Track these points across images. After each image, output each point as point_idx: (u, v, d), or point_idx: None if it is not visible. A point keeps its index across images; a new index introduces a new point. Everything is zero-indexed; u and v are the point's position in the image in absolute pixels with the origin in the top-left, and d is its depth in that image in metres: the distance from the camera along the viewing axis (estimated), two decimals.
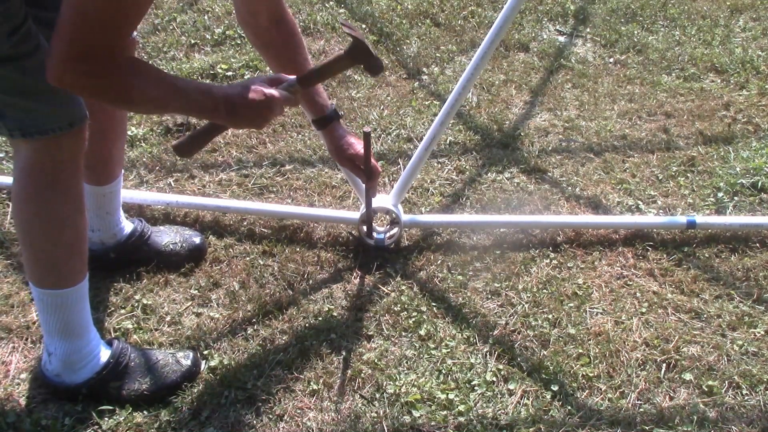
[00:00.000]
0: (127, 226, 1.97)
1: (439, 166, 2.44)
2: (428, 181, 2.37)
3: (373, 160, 1.82)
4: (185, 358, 1.70)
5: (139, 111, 1.78)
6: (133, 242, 1.96)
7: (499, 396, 1.68)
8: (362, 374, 1.72)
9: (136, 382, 1.64)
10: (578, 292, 1.96)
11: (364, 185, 1.90)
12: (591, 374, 1.73)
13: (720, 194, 2.31)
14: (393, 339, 1.83)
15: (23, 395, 1.65)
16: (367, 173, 1.83)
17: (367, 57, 1.53)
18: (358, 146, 1.82)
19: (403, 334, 1.84)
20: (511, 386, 1.70)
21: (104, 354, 1.64)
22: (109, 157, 1.82)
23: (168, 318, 1.86)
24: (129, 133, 2.50)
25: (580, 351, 1.79)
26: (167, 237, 2.01)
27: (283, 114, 1.53)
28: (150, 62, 2.90)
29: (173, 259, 1.99)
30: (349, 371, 1.73)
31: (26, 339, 1.79)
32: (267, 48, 1.76)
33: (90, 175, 1.77)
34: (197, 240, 2.03)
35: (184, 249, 2.00)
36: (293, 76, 1.52)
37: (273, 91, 1.42)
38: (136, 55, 1.66)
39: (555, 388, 1.70)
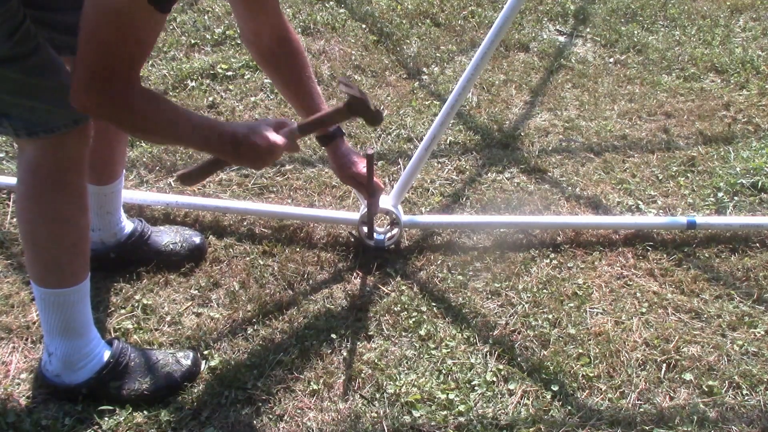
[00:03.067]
0: (128, 225, 1.98)
1: (439, 166, 2.44)
2: (428, 181, 2.37)
3: (376, 179, 1.85)
4: (185, 358, 1.70)
5: (151, 140, 1.85)
6: (133, 242, 1.96)
7: (499, 396, 1.68)
8: (362, 374, 1.72)
9: (137, 382, 1.64)
10: (578, 292, 1.96)
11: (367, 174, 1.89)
12: (591, 374, 1.73)
13: (720, 194, 2.31)
14: (393, 339, 1.83)
15: (23, 395, 1.65)
16: (370, 192, 1.86)
17: (365, 111, 1.59)
18: (361, 165, 1.84)
19: (403, 334, 1.84)
20: (511, 386, 1.70)
21: (104, 354, 1.64)
22: (111, 156, 1.82)
23: (168, 318, 1.86)
24: None
25: (580, 351, 1.79)
26: (167, 237, 2.02)
27: (270, 160, 1.55)
28: (149, 63, 2.91)
29: (173, 258, 1.99)
30: (349, 371, 1.73)
31: (26, 339, 1.79)
32: (272, 67, 1.77)
33: (92, 174, 1.77)
34: (197, 240, 2.03)
35: (184, 249, 2.00)
36: (294, 124, 1.56)
37: (277, 139, 1.47)
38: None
39: (555, 388, 1.70)
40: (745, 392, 1.70)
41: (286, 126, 1.54)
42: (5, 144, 2.45)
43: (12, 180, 2.25)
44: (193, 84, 2.79)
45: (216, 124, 1.44)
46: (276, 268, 2.01)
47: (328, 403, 1.66)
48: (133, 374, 1.65)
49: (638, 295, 1.96)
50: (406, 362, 1.76)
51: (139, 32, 1.20)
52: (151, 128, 1.33)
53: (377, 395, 1.68)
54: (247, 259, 2.04)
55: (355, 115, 1.61)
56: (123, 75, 1.22)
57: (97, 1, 1.16)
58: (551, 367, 1.74)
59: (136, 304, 1.89)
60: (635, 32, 3.24)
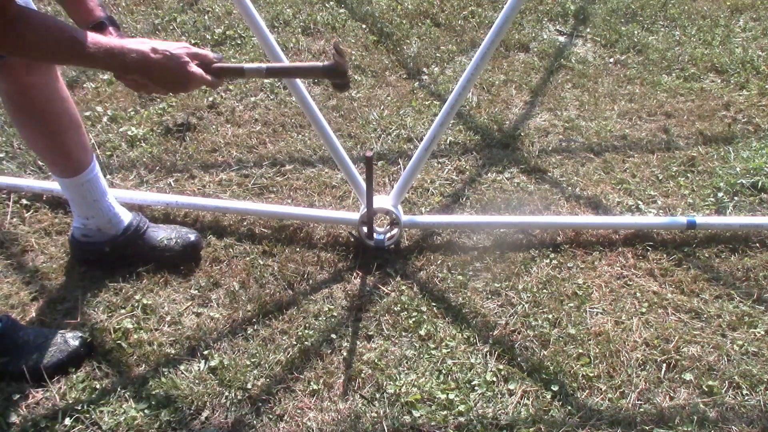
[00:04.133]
0: (125, 217, 1.99)
1: (439, 166, 2.44)
2: (428, 181, 2.37)
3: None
4: (74, 339, 1.73)
5: (40, 60, 1.81)
6: (129, 236, 1.97)
7: (499, 396, 1.68)
8: (362, 374, 1.72)
9: (23, 358, 1.68)
10: (578, 292, 1.96)
11: (364, 185, 1.90)
12: (591, 374, 1.73)
13: (720, 194, 2.30)
14: (393, 339, 1.83)
15: (23, 395, 1.65)
16: (369, 197, 1.88)
17: (342, 80, 1.57)
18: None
19: (403, 334, 1.84)
20: (511, 386, 1.70)
21: None
22: (67, 149, 1.82)
23: (168, 318, 1.86)
24: (129, 133, 2.51)
25: (580, 351, 1.79)
26: (163, 233, 2.03)
27: (197, 85, 1.50)
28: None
29: (167, 254, 2.00)
30: (349, 371, 1.73)
31: None
32: None
33: (58, 170, 1.84)
34: (192, 237, 2.04)
35: (178, 245, 2.01)
36: (263, 64, 1.53)
37: (194, 71, 1.44)
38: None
39: (555, 388, 1.70)
40: (745, 392, 1.70)
41: (207, 60, 1.49)
42: (5, 144, 2.45)
43: (12, 180, 2.24)
44: None
45: (117, 47, 1.39)
46: (276, 268, 2.01)
47: (328, 403, 1.66)
48: (20, 351, 1.68)
49: (638, 295, 1.96)
50: (406, 362, 1.76)
51: None
52: (33, 53, 1.33)
53: (377, 395, 1.68)
54: (247, 259, 2.04)
55: (327, 78, 1.58)
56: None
57: None
58: (551, 367, 1.74)
59: (136, 304, 1.89)
60: (635, 32, 3.24)
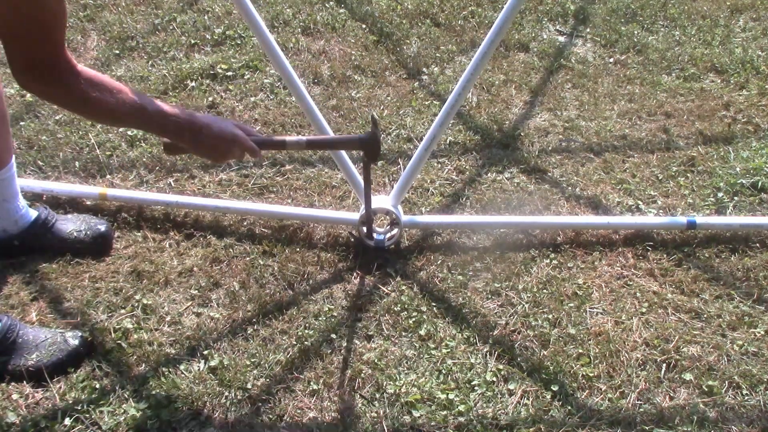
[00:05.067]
0: (31, 213, 2.00)
1: (439, 166, 2.44)
2: (428, 181, 2.37)
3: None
4: (73, 338, 1.73)
5: (97, 121, 1.90)
6: (37, 230, 1.98)
7: (499, 396, 1.68)
8: (362, 374, 1.72)
9: (22, 358, 1.68)
10: (578, 292, 1.96)
11: (363, 185, 1.90)
12: (591, 374, 1.73)
13: (720, 194, 2.30)
14: (393, 339, 1.83)
15: (23, 396, 1.65)
16: (367, 198, 1.89)
17: (373, 153, 1.73)
18: None
19: (403, 334, 1.84)
20: (511, 386, 1.70)
21: None
22: None
23: (168, 318, 1.86)
24: (129, 133, 2.51)
25: (580, 351, 1.79)
26: (72, 225, 2.03)
27: (241, 158, 1.63)
28: (149, 63, 2.91)
29: (77, 246, 2.01)
30: (349, 371, 1.73)
31: None
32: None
33: None
34: (102, 228, 2.04)
35: (88, 237, 2.02)
36: (303, 137, 1.67)
37: (239, 132, 1.56)
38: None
39: (555, 388, 1.70)
40: (745, 392, 1.70)
41: (251, 134, 1.61)
42: None
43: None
44: (193, 84, 2.79)
45: (172, 112, 1.48)
46: (276, 268, 2.01)
47: (328, 403, 1.66)
48: (19, 350, 1.68)
49: (638, 295, 1.96)
50: (406, 362, 1.76)
51: (41, 9, 1.27)
52: (94, 111, 1.40)
53: (377, 395, 1.68)
54: (247, 259, 2.04)
55: (361, 150, 1.74)
56: (43, 54, 1.30)
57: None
58: (551, 367, 1.74)
59: (136, 304, 1.89)
60: (635, 32, 3.24)
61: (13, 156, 1.91)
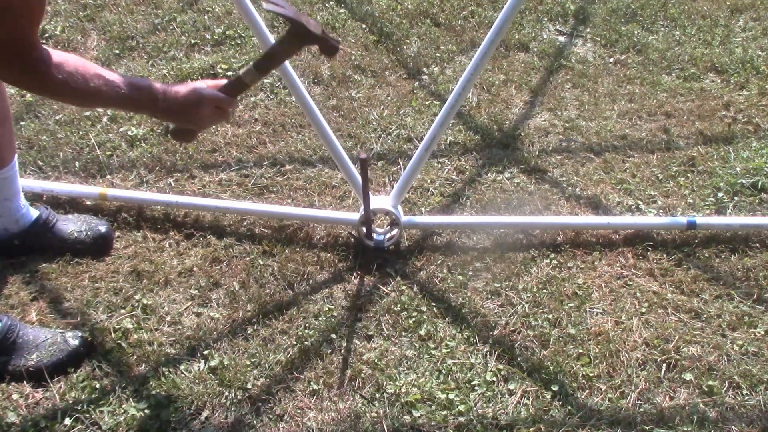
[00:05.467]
0: (33, 212, 2.00)
1: (439, 166, 2.44)
2: (428, 181, 2.37)
3: None
4: (74, 338, 1.73)
5: (71, 104, 1.85)
6: (38, 230, 1.98)
7: (499, 396, 1.68)
8: (362, 374, 1.72)
9: (23, 358, 1.68)
10: (578, 292, 1.96)
11: (361, 179, 1.90)
12: (591, 374, 1.73)
13: (720, 194, 2.30)
14: (393, 339, 1.83)
15: (23, 396, 1.65)
16: (366, 199, 1.89)
17: (314, 39, 1.52)
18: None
19: (403, 334, 1.84)
20: (511, 386, 1.70)
21: None
22: None
23: (168, 318, 1.86)
24: (129, 133, 2.51)
25: (580, 351, 1.79)
26: (72, 225, 2.03)
27: (223, 116, 1.55)
28: (149, 63, 2.90)
29: (78, 247, 2.01)
30: (349, 371, 1.73)
31: None
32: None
33: None
34: (103, 228, 2.05)
35: (89, 237, 2.02)
36: (250, 64, 1.55)
37: (200, 86, 1.49)
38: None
39: (555, 388, 1.70)
40: (745, 392, 1.70)
41: (217, 84, 1.54)
42: None
43: None
44: None
45: (143, 84, 1.44)
46: (276, 268, 2.01)
47: (328, 403, 1.66)
48: (20, 350, 1.68)
49: (638, 295, 1.96)
50: (406, 362, 1.76)
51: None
52: (62, 92, 1.37)
53: (377, 395, 1.68)
54: (247, 259, 2.04)
55: (305, 43, 1.55)
56: (13, 39, 1.25)
57: None
58: (551, 367, 1.74)
59: (136, 304, 1.89)
60: (635, 32, 3.24)
61: (16, 154, 1.91)
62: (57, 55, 1.34)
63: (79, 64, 1.36)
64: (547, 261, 2.06)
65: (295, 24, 1.50)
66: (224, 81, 1.56)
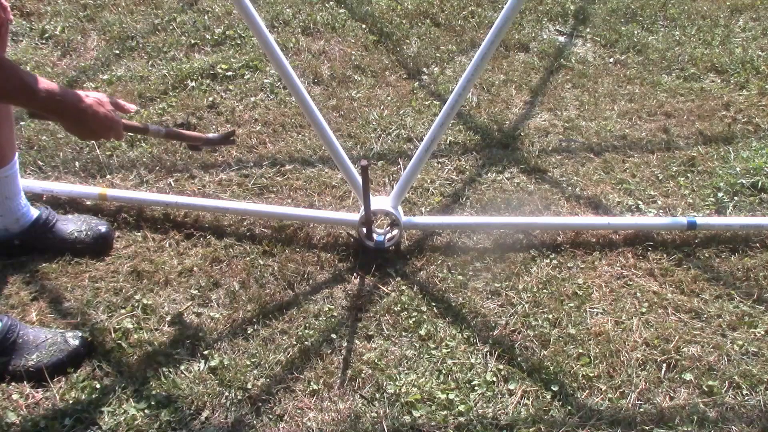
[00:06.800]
0: (33, 212, 2.00)
1: (439, 166, 2.44)
2: (428, 181, 2.37)
3: None
4: (74, 338, 1.73)
5: None
6: (38, 229, 1.99)
7: (499, 396, 1.68)
8: (362, 374, 1.72)
9: (23, 358, 1.68)
10: (578, 292, 1.96)
11: (362, 185, 1.91)
12: (591, 374, 1.73)
13: (720, 194, 2.30)
14: (393, 339, 1.83)
15: (23, 396, 1.65)
16: (366, 205, 1.91)
17: (216, 145, 1.98)
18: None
19: (403, 334, 1.84)
20: (511, 386, 1.70)
21: None
22: None
23: (168, 318, 1.86)
24: (129, 134, 2.50)
25: (580, 351, 1.79)
26: (73, 225, 2.04)
27: (108, 139, 1.59)
28: (149, 63, 2.90)
29: (78, 246, 2.01)
30: (349, 371, 1.73)
31: None
32: None
33: None
34: (103, 229, 2.05)
35: (89, 237, 2.02)
36: (161, 127, 1.80)
37: (119, 119, 1.56)
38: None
39: (555, 388, 1.70)
40: (745, 392, 1.70)
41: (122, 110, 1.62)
42: None
43: None
44: (193, 84, 2.79)
45: (50, 87, 1.44)
46: (276, 268, 2.01)
47: (328, 403, 1.66)
48: (20, 351, 1.68)
49: (638, 295, 1.96)
50: (406, 362, 1.76)
51: None
52: None
53: (377, 395, 1.68)
54: (247, 259, 2.04)
55: (207, 146, 1.97)
56: None
57: None
58: (551, 367, 1.74)
59: (136, 304, 1.89)
60: (635, 32, 3.24)
61: (17, 153, 1.91)
62: None
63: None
64: (547, 261, 2.06)
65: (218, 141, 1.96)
66: (126, 104, 1.67)
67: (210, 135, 1.95)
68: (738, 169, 2.41)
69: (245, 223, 2.17)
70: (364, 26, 3.25)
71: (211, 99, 2.72)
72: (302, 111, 2.05)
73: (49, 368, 1.68)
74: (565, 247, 2.10)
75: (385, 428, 1.61)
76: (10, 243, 1.98)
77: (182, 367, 1.73)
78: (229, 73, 2.86)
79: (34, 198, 2.21)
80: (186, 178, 2.35)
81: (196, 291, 1.94)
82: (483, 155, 2.49)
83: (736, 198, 2.30)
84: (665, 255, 2.08)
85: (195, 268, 2.01)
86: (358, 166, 1.84)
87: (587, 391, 1.70)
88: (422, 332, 1.83)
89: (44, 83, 1.44)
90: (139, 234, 2.12)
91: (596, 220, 2.17)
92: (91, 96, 1.52)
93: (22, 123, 2.53)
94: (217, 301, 1.92)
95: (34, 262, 2.00)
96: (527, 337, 1.83)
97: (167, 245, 2.08)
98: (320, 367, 1.74)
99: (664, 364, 1.76)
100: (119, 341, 1.78)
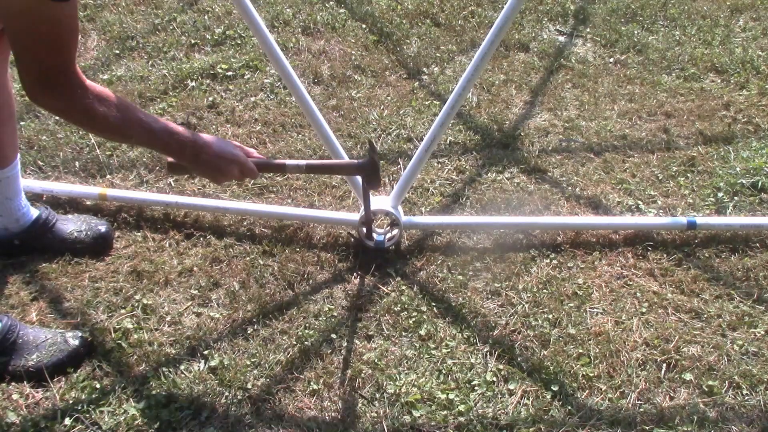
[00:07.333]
0: (33, 212, 2.00)
1: (439, 166, 2.44)
2: (428, 181, 2.37)
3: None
4: (74, 338, 1.73)
5: (103, 136, 1.95)
6: (38, 229, 1.99)
7: (499, 396, 1.68)
8: (362, 374, 1.72)
9: (23, 358, 1.68)
10: (578, 292, 1.96)
11: (362, 188, 1.91)
12: (591, 374, 1.73)
13: (720, 194, 2.30)
14: (393, 339, 1.83)
15: (23, 396, 1.65)
16: (367, 202, 1.91)
17: (373, 176, 1.76)
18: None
19: (403, 334, 1.84)
20: (511, 386, 1.70)
21: None
22: None
23: (168, 318, 1.86)
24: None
25: (580, 351, 1.79)
26: (72, 225, 2.04)
27: (240, 179, 1.65)
28: (149, 63, 2.90)
29: (78, 246, 2.01)
30: (349, 371, 1.73)
31: None
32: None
33: None
34: (102, 228, 2.05)
35: (89, 237, 2.02)
36: (303, 161, 1.71)
37: (239, 153, 1.59)
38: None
39: (555, 388, 1.70)
40: (745, 392, 1.70)
41: (252, 156, 1.65)
42: None
43: None
44: (193, 84, 2.79)
45: (176, 130, 1.51)
46: (276, 268, 2.01)
47: (328, 403, 1.66)
48: (20, 351, 1.69)
49: (638, 295, 1.96)
50: (406, 362, 1.76)
51: (58, 26, 1.28)
52: (101, 126, 1.42)
53: (377, 395, 1.68)
54: (247, 259, 2.04)
55: (361, 175, 1.80)
56: (56, 66, 1.31)
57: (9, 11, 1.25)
58: (551, 367, 1.74)
59: (136, 304, 1.89)
60: (635, 32, 3.24)
61: (18, 154, 1.91)
62: (99, 89, 1.39)
63: (118, 102, 1.42)
64: (547, 261, 2.06)
65: (374, 165, 1.75)
66: (255, 152, 1.67)
67: (357, 161, 1.79)
68: (738, 169, 2.41)
69: (245, 223, 2.17)
70: (364, 26, 3.25)
71: (211, 99, 2.72)
72: (302, 111, 2.05)
73: (49, 368, 1.68)
74: (565, 247, 2.10)
75: (385, 428, 1.61)
76: (10, 243, 1.98)
77: (182, 367, 1.73)
78: (229, 73, 2.86)
79: (34, 198, 2.21)
80: (186, 178, 2.35)
81: (196, 291, 1.94)
82: (483, 155, 2.49)
83: (736, 198, 2.30)
84: (665, 255, 2.08)
85: (195, 268, 2.01)
86: (361, 163, 1.84)
87: (587, 391, 1.70)
88: (422, 332, 1.83)
89: (175, 130, 1.52)
90: (139, 234, 2.12)
91: (596, 220, 2.18)
92: (213, 141, 1.56)
93: (21, 123, 2.53)
94: (217, 301, 1.92)
95: (34, 262, 2.00)
96: (527, 337, 1.83)
97: (167, 245, 2.09)
98: (320, 367, 1.74)
99: (664, 364, 1.76)
100: (119, 341, 1.78)
